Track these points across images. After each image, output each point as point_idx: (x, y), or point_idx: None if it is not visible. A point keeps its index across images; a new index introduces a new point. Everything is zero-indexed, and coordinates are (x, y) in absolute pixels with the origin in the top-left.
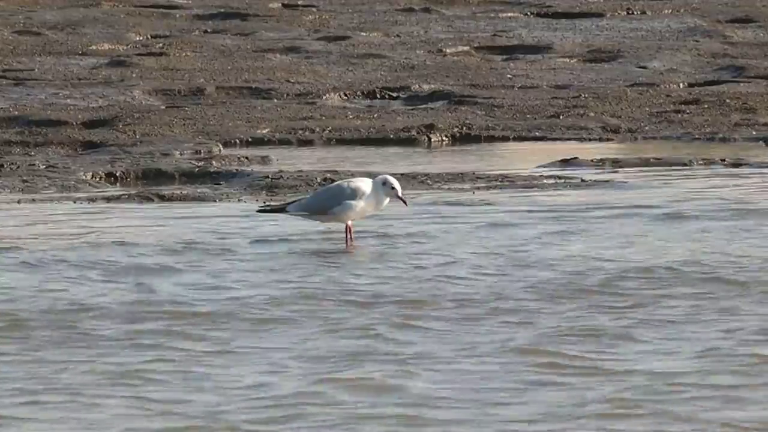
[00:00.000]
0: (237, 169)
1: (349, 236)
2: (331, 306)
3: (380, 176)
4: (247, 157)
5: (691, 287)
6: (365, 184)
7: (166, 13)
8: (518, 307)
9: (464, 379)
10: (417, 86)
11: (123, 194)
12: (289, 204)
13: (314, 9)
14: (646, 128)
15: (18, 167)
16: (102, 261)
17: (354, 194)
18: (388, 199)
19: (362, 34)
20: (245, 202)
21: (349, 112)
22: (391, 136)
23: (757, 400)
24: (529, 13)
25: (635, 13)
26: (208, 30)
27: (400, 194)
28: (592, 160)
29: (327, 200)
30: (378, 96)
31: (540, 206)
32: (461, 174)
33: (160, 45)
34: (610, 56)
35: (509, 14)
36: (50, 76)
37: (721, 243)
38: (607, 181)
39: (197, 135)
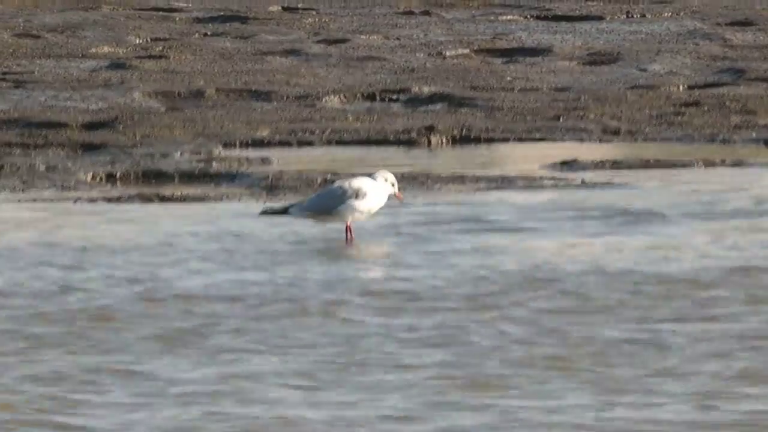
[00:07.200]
0: (237, 170)
1: (349, 235)
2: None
3: (377, 173)
4: (247, 159)
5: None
6: (366, 183)
7: (165, 16)
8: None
9: None
10: (417, 88)
11: (123, 195)
12: (291, 206)
13: (314, 12)
14: (646, 130)
15: (18, 168)
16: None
17: (356, 194)
18: (387, 197)
19: (362, 37)
20: (245, 203)
21: (349, 115)
22: (391, 137)
23: None
24: (528, 16)
25: (635, 16)
26: (208, 33)
27: (396, 190)
28: (592, 162)
29: (330, 201)
30: (378, 98)
31: (539, 207)
32: (461, 175)
33: (160, 48)
34: (610, 59)
35: (509, 17)
36: (50, 78)
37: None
38: (607, 182)
39: (197, 137)
